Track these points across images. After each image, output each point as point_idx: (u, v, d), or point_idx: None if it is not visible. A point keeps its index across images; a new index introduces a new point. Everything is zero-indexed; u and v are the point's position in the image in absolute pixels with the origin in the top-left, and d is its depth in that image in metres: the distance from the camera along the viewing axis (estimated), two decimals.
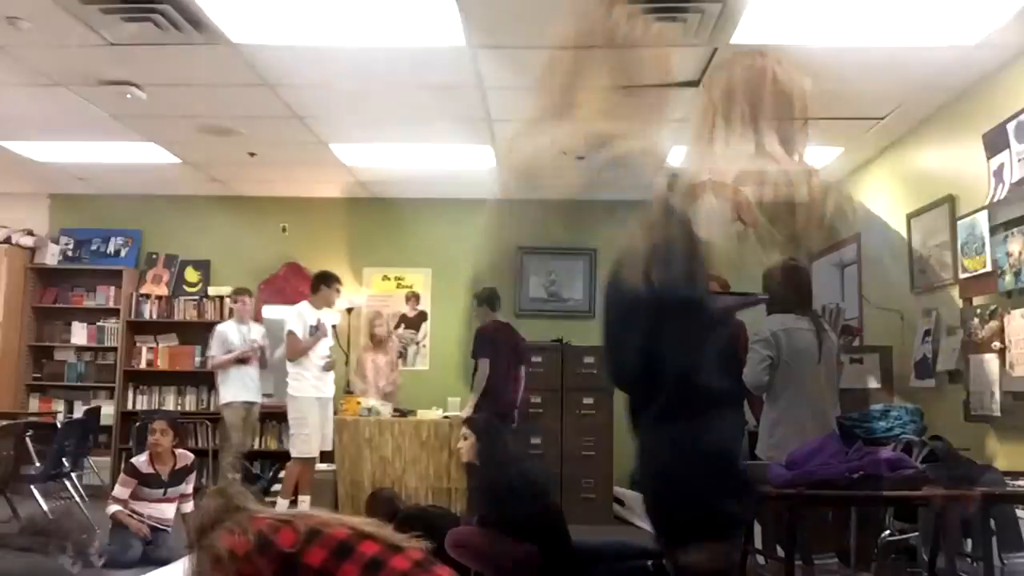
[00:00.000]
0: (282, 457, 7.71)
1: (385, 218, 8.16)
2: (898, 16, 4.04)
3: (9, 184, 7.87)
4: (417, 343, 8.11)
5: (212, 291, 8.14)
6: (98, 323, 8.10)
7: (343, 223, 8.22)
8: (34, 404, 8.02)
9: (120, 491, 5.09)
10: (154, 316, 8.12)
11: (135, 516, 5.08)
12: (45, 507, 5.51)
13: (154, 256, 8.32)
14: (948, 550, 3.43)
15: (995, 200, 4.55)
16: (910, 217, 5.67)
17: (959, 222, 4.97)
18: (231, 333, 7.08)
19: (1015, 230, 4.31)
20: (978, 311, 4.68)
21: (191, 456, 5.46)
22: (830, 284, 7.70)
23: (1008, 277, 4.36)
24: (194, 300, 8.12)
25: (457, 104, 5.44)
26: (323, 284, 6.53)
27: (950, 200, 5.12)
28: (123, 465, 5.27)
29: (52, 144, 6.60)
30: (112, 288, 8.08)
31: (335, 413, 6.63)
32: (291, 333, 6.31)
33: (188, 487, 5.34)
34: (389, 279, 8.18)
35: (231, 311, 7.71)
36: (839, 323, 6.08)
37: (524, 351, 6.50)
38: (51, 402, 8.03)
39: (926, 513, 3.60)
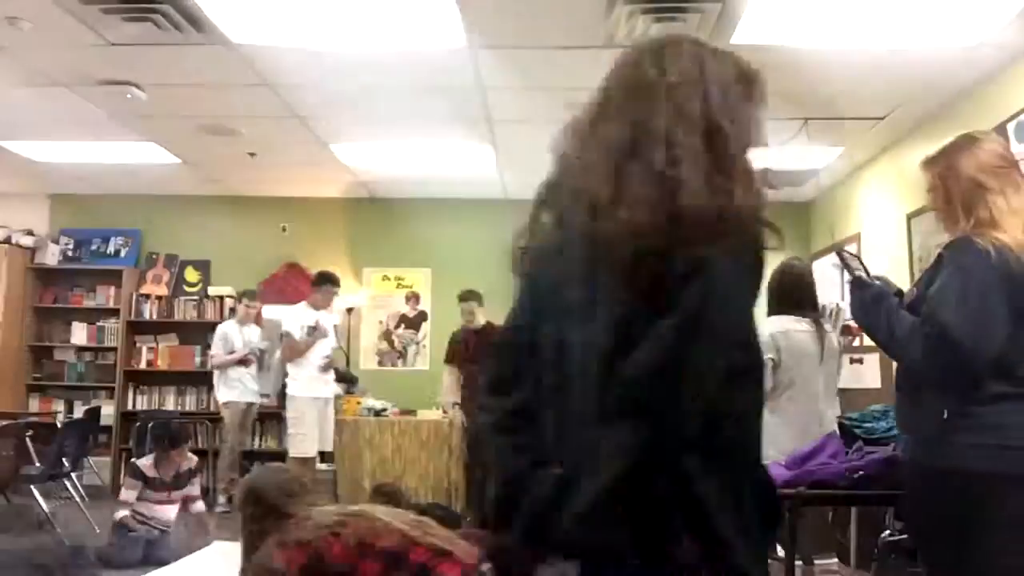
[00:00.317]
0: (281, 457, 7.71)
1: (385, 218, 8.17)
2: (898, 16, 4.04)
3: (9, 184, 7.87)
4: (417, 343, 8.11)
5: (212, 291, 8.15)
6: (98, 323, 8.11)
7: (343, 223, 8.23)
8: (34, 404, 8.02)
9: (127, 495, 5.07)
10: (154, 316, 8.12)
11: (139, 517, 5.07)
12: (45, 507, 5.51)
13: (154, 256, 8.32)
14: None
15: None
16: (910, 217, 5.67)
17: None
18: (233, 333, 7.11)
19: None
20: None
21: (195, 459, 5.47)
22: (830, 284, 7.71)
23: None
24: (194, 300, 8.12)
25: (457, 104, 5.44)
26: (320, 285, 6.50)
27: None
28: (125, 467, 5.23)
29: (52, 144, 6.60)
30: (112, 288, 8.09)
31: (335, 413, 6.64)
32: (287, 334, 6.29)
33: (194, 488, 5.33)
34: (389, 279, 8.19)
35: (231, 311, 7.73)
36: (839, 323, 6.08)
37: None
38: (51, 402, 8.03)
39: None
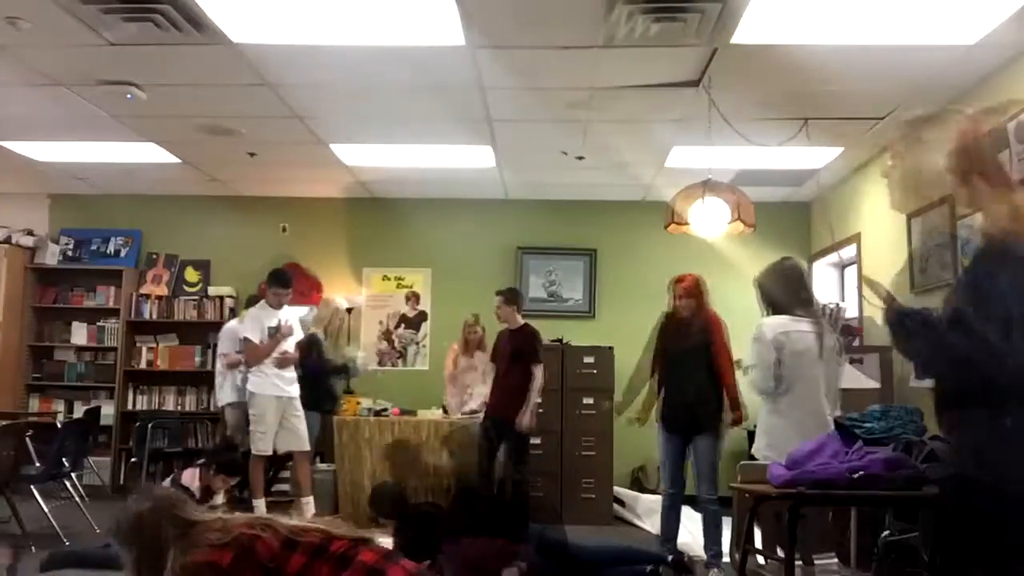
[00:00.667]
0: (281, 457, 7.70)
1: (385, 218, 8.17)
2: (898, 16, 4.04)
3: (9, 184, 7.87)
4: (417, 343, 8.11)
5: (212, 291, 8.14)
6: (98, 323, 8.10)
7: (343, 223, 8.23)
8: (34, 404, 8.02)
9: None
10: (154, 316, 8.12)
11: None
12: (45, 507, 5.51)
13: (154, 256, 8.32)
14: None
15: None
16: (910, 217, 5.66)
17: (959, 222, 4.96)
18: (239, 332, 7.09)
19: None
20: None
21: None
22: (830, 284, 7.71)
23: None
24: (194, 300, 8.12)
25: (457, 104, 5.44)
26: (269, 286, 6.31)
27: (950, 200, 5.12)
28: (175, 485, 5.07)
29: (52, 144, 6.60)
30: (112, 288, 8.08)
31: (335, 413, 6.64)
32: (247, 340, 6.14)
33: (218, 498, 5.26)
34: (389, 279, 8.18)
35: (231, 311, 7.73)
36: (839, 323, 6.09)
37: None
38: (51, 402, 8.02)
39: (926, 513, 3.59)
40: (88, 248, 8.28)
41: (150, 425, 7.47)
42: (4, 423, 6.02)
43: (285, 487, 7.65)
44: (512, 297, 6.24)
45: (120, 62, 4.80)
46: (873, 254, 6.49)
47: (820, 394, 4.12)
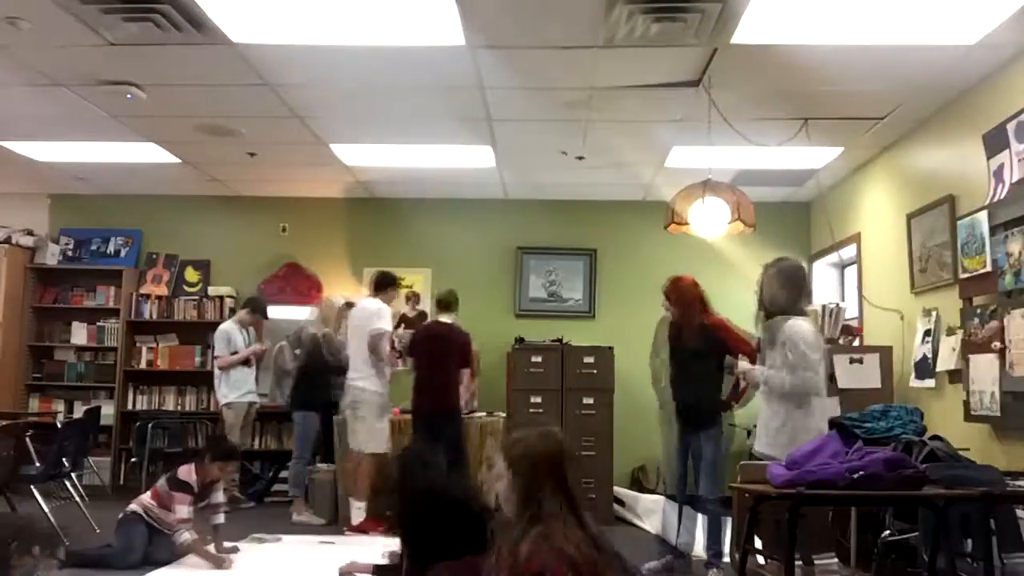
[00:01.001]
0: (282, 457, 7.71)
1: (385, 218, 8.17)
2: (898, 16, 4.04)
3: (9, 184, 7.87)
4: None
5: (212, 291, 8.15)
6: (98, 323, 8.10)
7: (343, 223, 8.23)
8: (34, 404, 8.02)
9: (185, 510, 4.88)
10: (154, 316, 8.12)
11: (151, 515, 5.00)
12: (45, 507, 5.51)
13: (154, 256, 8.32)
14: (948, 550, 3.42)
15: (995, 200, 4.55)
16: (910, 217, 5.67)
17: (959, 222, 4.97)
18: (235, 334, 7.12)
19: (1015, 230, 4.31)
20: (978, 311, 4.68)
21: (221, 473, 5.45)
22: (830, 284, 7.72)
23: (1008, 277, 4.36)
24: (194, 300, 8.12)
25: (457, 104, 5.45)
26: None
27: (950, 200, 5.12)
28: (172, 481, 4.99)
29: (52, 144, 6.60)
30: (112, 288, 8.08)
31: (335, 413, 6.65)
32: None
33: (217, 495, 5.22)
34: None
35: (231, 311, 7.73)
36: (839, 323, 6.09)
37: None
38: (51, 402, 8.02)
39: (926, 513, 3.59)
40: (88, 248, 8.28)
41: (150, 425, 7.47)
42: (4, 423, 6.02)
43: (286, 487, 7.67)
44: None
45: (120, 62, 4.80)
46: (873, 254, 6.49)
47: (824, 390, 4.18)
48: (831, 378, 5.55)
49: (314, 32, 4.35)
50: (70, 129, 6.14)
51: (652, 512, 6.44)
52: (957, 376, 4.91)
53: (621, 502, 6.97)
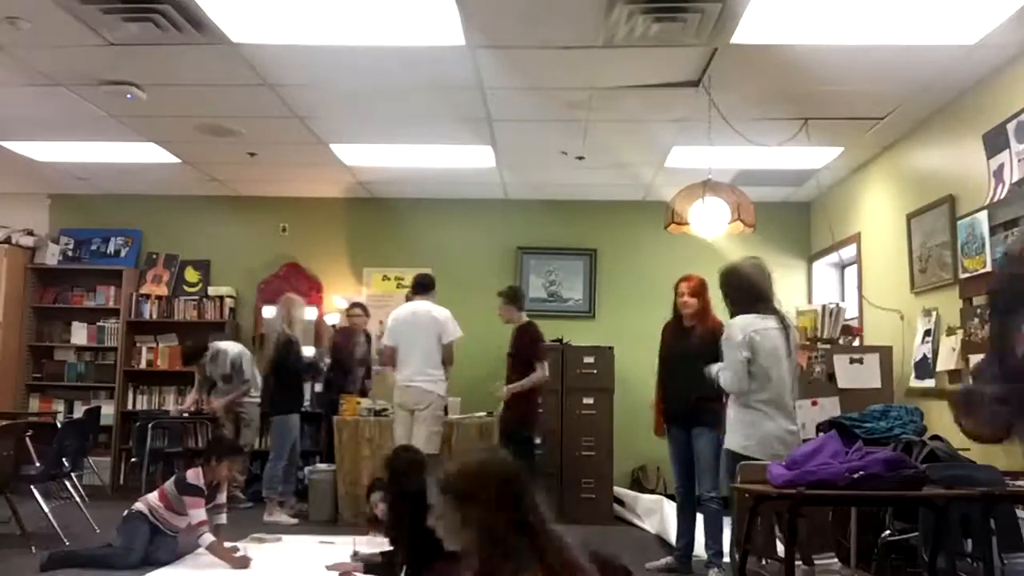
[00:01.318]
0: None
1: (385, 218, 8.17)
2: (898, 16, 4.04)
3: (9, 184, 7.87)
4: None
5: (212, 291, 8.14)
6: (98, 323, 8.10)
7: (343, 223, 8.23)
8: (34, 404, 8.02)
9: (200, 514, 4.87)
10: (154, 316, 8.12)
11: (156, 516, 4.99)
12: (45, 507, 5.51)
13: (154, 256, 8.32)
14: (948, 550, 3.43)
15: (995, 200, 4.55)
16: (910, 217, 5.67)
17: (959, 222, 4.97)
18: (238, 354, 7.11)
19: (1015, 230, 4.31)
20: (978, 311, 4.67)
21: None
22: (830, 284, 7.72)
23: None
24: (194, 300, 8.12)
25: (457, 104, 5.45)
26: None
27: (950, 200, 5.12)
28: (181, 486, 4.96)
29: (52, 144, 6.60)
30: (112, 288, 8.08)
31: (336, 414, 6.65)
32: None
33: (221, 497, 5.23)
34: (389, 279, 8.18)
35: (231, 311, 7.73)
36: (839, 323, 6.09)
37: None
38: (51, 402, 8.03)
39: (926, 513, 3.59)
40: (88, 248, 8.29)
41: (150, 425, 7.46)
42: (4, 423, 6.02)
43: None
44: (512, 296, 6.30)
45: (120, 62, 4.80)
46: (873, 254, 6.49)
47: (787, 389, 4.16)
48: (830, 378, 5.56)
49: (314, 32, 4.35)
50: (70, 129, 6.14)
51: (652, 512, 6.44)
52: (957, 376, 4.90)
53: (621, 502, 6.97)
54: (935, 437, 4.18)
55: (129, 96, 5.21)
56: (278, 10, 4.13)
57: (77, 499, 6.12)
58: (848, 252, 7.06)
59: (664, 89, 5.05)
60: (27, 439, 6.00)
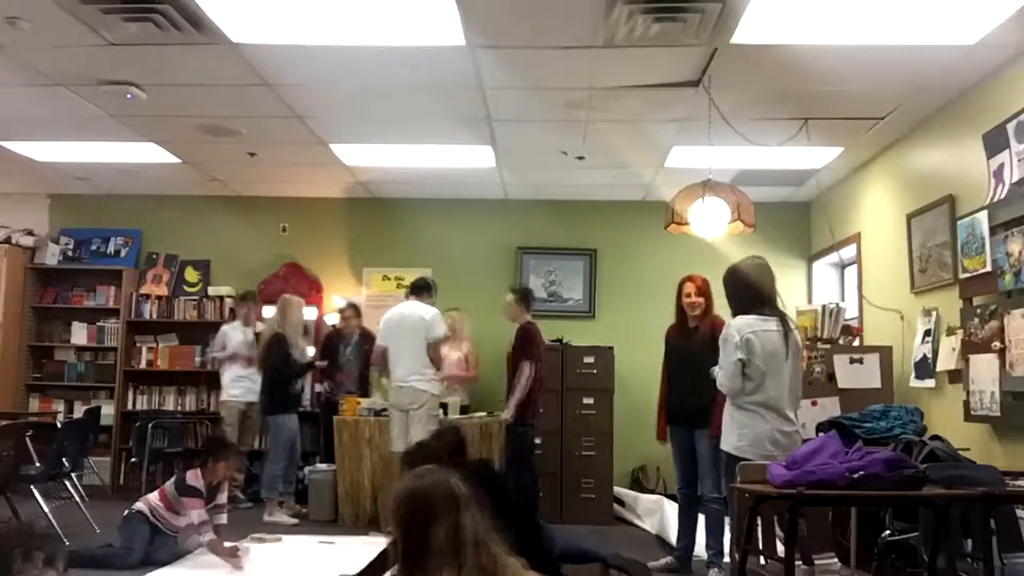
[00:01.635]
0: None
1: (385, 218, 8.17)
2: (898, 16, 4.04)
3: (9, 184, 7.87)
4: None
5: (212, 291, 8.15)
6: (98, 323, 8.10)
7: (343, 223, 8.23)
8: (34, 404, 8.02)
9: (199, 514, 4.89)
10: (154, 316, 8.12)
11: (156, 516, 5.00)
12: (45, 507, 5.51)
13: (154, 256, 8.32)
14: (948, 550, 3.42)
15: (995, 200, 4.55)
16: (910, 217, 5.67)
17: (959, 222, 4.97)
18: (231, 334, 7.13)
19: (1015, 230, 4.31)
20: (978, 311, 4.68)
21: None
22: (830, 284, 7.72)
23: (1008, 277, 4.37)
24: (194, 300, 8.12)
25: (457, 104, 5.44)
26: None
27: (950, 200, 5.12)
28: (180, 487, 5.01)
29: (52, 144, 6.60)
30: (112, 288, 8.08)
31: (336, 413, 6.66)
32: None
33: (222, 497, 5.23)
34: (389, 279, 8.18)
35: (231, 312, 7.73)
36: (839, 323, 6.09)
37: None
38: (51, 402, 8.02)
39: (926, 513, 3.59)
40: (88, 248, 8.28)
41: (150, 425, 7.47)
42: (4, 423, 6.02)
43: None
44: (523, 296, 6.42)
45: (120, 62, 4.80)
46: (873, 254, 6.49)
47: (786, 391, 4.13)
48: (830, 378, 5.56)
49: (314, 32, 4.35)
50: (70, 129, 6.14)
51: (652, 512, 6.44)
52: (957, 376, 4.91)
53: (621, 502, 6.98)
54: (935, 437, 4.18)
55: (129, 96, 5.21)
56: (278, 10, 4.13)
57: (77, 499, 6.12)
58: (848, 252, 7.06)
59: (664, 89, 5.05)
60: (27, 439, 6.00)
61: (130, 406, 8.01)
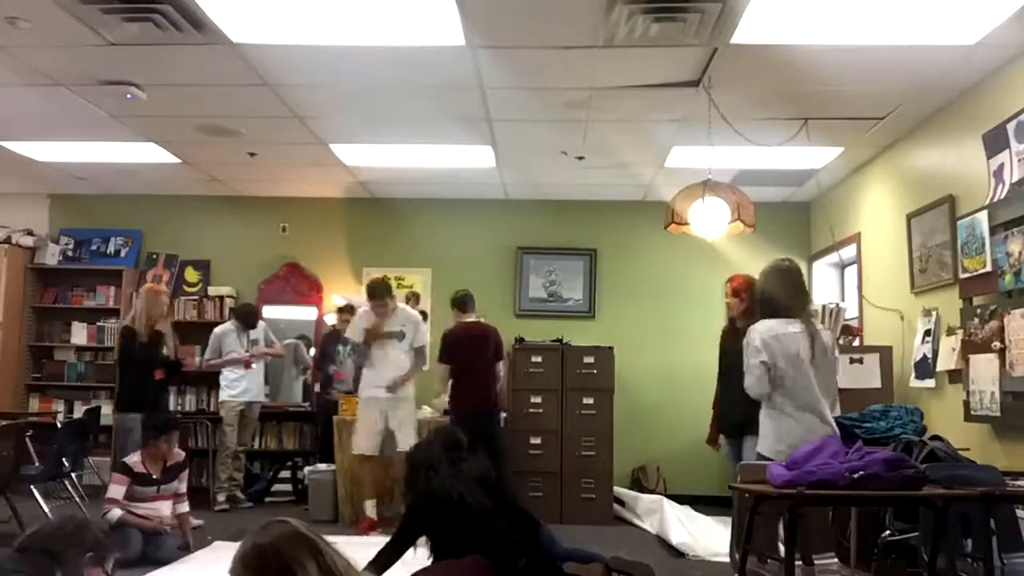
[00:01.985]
0: (282, 457, 7.72)
1: (385, 218, 8.17)
2: (898, 16, 4.04)
3: (9, 184, 7.87)
4: None
5: (212, 291, 8.14)
6: (98, 323, 8.10)
7: (343, 223, 8.23)
8: (34, 404, 8.02)
9: (116, 491, 5.03)
10: None
11: (136, 515, 5.06)
12: (45, 507, 5.51)
13: (154, 256, 8.32)
14: (948, 550, 3.43)
15: (995, 200, 4.55)
16: (910, 217, 5.67)
17: (959, 222, 4.97)
18: (226, 337, 7.12)
19: (1015, 230, 4.31)
20: (978, 311, 4.68)
21: (182, 453, 5.45)
22: (830, 284, 7.72)
23: (1008, 277, 4.37)
24: (194, 300, 8.12)
25: (457, 104, 5.45)
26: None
27: (950, 200, 5.12)
28: (117, 464, 5.24)
29: (52, 144, 6.60)
30: (112, 288, 8.09)
31: (335, 413, 6.66)
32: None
33: (182, 485, 5.30)
34: (389, 279, 8.16)
35: (231, 311, 7.73)
36: (839, 323, 6.09)
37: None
38: (51, 402, 8.02)
39: (926, 513, 3.59)
40: (88, 248, 8.28)
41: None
42: (4, 423, 6.02)
43: (286, 487, 7.68)
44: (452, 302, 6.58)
45: (120, 62, 4.80)
46: (873, 254, 6.49)
47: (818, 393, 4.10)
48: None
49: (314, 32, 4.35)
50: (70, 129, 6.14)
51: (652, 512, 6.44)
52: (957, 376, 4.91)
53: (621, 502, 6.98)
54: (935, 437, 4.18)
55: (129, 96, 5.21)
56: (278, 10, 4.13)
57: (77, 499, 6.12)
58: (848, 252, 7.06)
59: (664, 89, 5.05)
60: (27, 439, 6.00)
61: None
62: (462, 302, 6.47)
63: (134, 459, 5.16)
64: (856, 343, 6.11)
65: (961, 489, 3.19)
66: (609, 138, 6.08)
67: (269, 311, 7.88)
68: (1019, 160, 4.35)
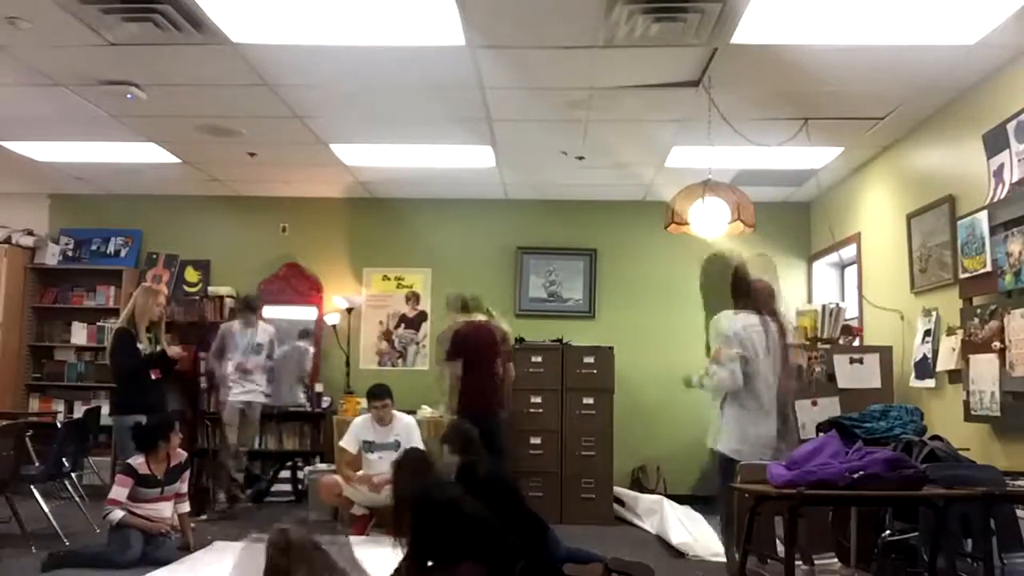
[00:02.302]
0: (282, 457, 7.72)
1: (385, 218, 8.17)
2: (898, 16, 4.04)
3: (9, 184, 7.87)
4: (417, 343, 8.11)
5: (212, 291, 8.14)
6: (98, 323, 8.10)
7: (343, 223, 8.23)
8: (34, 404, 8.02)
9: (119, 492, 4.99)
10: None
11: (138, 516, 5.05)
12: (45, 507, 5.51)
13: (154, 256, 8.32)
14: (948, 550, 3.43)
15: (995, 200, 4.55)
16: (910, 217, 5.67)
17: (959, 222, 4.97)
18: (231, 337, 7.09)
19: (1015, 230, 4.31)
20: (978, 311, 4.68)
21: (184, 453, 5.45)
22: (830, 284, 7.72)
23: (1008, 277, 4.37)
24: (194, 300, 8.12)
25: (457, 104, 5.45)
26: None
27: (950, 200, 5.12)
28: (117, 466, 5.19)
29: (52, 144, 6.60)
30: (112, 288, 8.08)
31: (335, 413, 6.66)
32: None
33: (183, 485, 5.29)
34: (389, 279, 8.18)
35: (231, 311, 7.73)
36: (839, 323, 6.09)
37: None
38: (51, 402, 8.02)
39: (926, 513, 3.60)
40: (88, 248, 8.28)
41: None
42: (4, 423, 6.01)
43: (286, 487, 7.68)
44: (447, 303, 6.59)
45: (120, 62, 4.80)
46: (873, 254, 6.49)
47: (771, 385, 4.12)
48: (830, 378, 5.55)
49: (314, 32, 4.35)
50: (70, 129, 6.14)
51: (652, 512, 6.44)
52: (957, 376, 4.91)
53: (621, 502, 6.97)
54: (935, 437, 4.18)
55: (129, 96, 5.21)
56: (278, 10, 4.13)
57: (77, 499, 6.12)
58: (848, 252, 7.06)
59: (664, 89, 5.05)
60: (27, 439, 5.99)
61: None
62: (463, 304, 6.45)
63: (138, 460, 5.12)
64: (856, 343, 6.11)
65: (961, 489, 3.20)
66: (609, 138, 6.09)
67: (269, 311, 7.87)
68: (1019, 160, 4.35)
